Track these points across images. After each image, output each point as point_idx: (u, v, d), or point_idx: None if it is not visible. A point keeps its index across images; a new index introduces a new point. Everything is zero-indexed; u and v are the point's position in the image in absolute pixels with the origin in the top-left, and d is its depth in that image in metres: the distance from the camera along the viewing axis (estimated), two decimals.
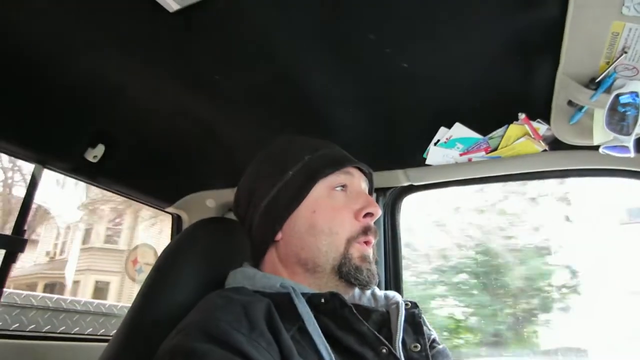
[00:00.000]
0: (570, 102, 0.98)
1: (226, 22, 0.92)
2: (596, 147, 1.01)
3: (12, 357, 1.24)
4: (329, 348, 0.70)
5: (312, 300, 0.78)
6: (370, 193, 0.99)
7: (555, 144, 1.15)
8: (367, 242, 0.88)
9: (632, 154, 0.93)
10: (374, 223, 1.45)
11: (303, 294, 0.78)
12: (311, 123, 1.27)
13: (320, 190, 0.88)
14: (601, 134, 0.97)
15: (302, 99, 1.18)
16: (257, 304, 0.72)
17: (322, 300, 0.78)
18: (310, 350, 0.69)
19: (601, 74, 0.88)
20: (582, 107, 0.98)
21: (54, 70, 1.07)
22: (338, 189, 0.90)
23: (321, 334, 0.72)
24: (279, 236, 0.89)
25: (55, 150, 1.36)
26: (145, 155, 1.51)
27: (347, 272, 0.83)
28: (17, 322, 2.57)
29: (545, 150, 1.19)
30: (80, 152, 1.36)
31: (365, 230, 0.87)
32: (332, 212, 0.86)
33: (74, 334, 2.53)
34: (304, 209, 0.87)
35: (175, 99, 1.19)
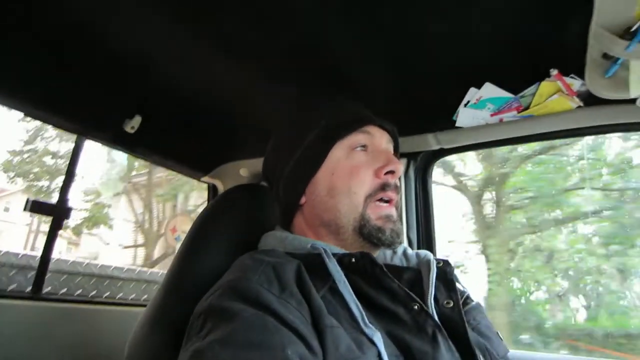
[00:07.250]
0: (605, 55, 0.95)
1: None
2: (632, 101, 0.99)
3: (62, 320, 1.31)
4: (359, 305, 0.71)
5: (342, 260, 0.79)
6: (395, 151, 0.99)
7: (589, 100, 1.11)
8: (386, 201, 0.88)
9: None
10: (406, 185, 1.45)
11: (334, 254, 0.79)
12: (342, 89, 1.26)
13: (339, 152, 0.89)
14: (637, 86, 0.94)
15: (332, 66, 1.17)
16: (288, 264, 0.74)
17: (353, 260, 0.79)
18: (341, 308, 0.70)
19: (637, 22, 0.85)
20: (617, 59, 0.95)
21: (90, 41, 1.08)
22: (358, 149, 0.90)
23: (352, 292, 0.73)
24: (303, 200, 0.91)
25: (95, 121, 1.41)
26: (180, 125, 1.54)
27: (368, 233, 0.84)
28: (65, 286, 2.72)
29: (579, 107, 1.15)
30: (119, 123, 1.41)
31: (384, 186, 0.87)
32: (351, 172, 0.87)
33: (118, 299, 2.66)
34: (323, 172, 0.89)
35: (208, 68, 1.20)
